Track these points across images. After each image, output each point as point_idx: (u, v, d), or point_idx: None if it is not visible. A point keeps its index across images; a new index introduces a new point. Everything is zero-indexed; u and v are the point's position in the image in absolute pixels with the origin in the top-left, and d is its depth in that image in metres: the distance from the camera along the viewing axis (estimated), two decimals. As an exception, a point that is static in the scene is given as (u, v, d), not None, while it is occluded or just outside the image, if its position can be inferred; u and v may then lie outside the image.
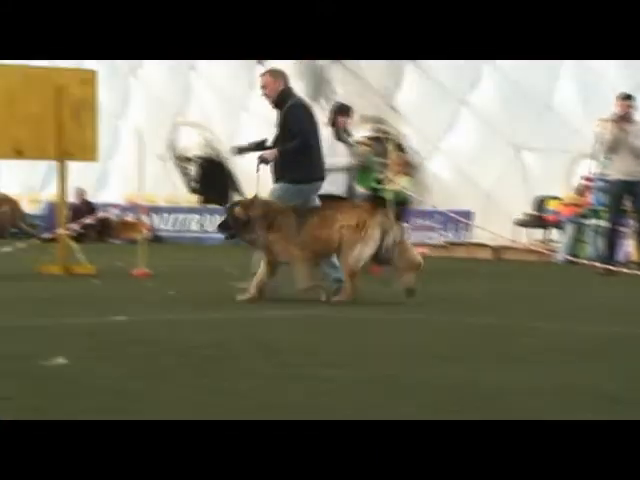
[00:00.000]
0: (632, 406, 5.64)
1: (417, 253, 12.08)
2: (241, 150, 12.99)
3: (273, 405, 5.61)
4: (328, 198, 13.46)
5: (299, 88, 23.93)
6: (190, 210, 24.37)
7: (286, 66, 23.63)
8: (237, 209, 12.14)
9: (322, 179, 12.93)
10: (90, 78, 17.01)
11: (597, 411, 5.39)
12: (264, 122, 23.09)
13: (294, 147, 12.51)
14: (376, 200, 16.47)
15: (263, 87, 13.09)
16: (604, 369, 7.25)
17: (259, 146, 12.96)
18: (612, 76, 19.17)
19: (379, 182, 18.83)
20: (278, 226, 11.80)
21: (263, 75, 13.22)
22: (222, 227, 12.27)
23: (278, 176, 12.64)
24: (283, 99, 12.86)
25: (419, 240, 21.43)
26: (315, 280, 12.00)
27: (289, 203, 12.31)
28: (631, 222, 17.07)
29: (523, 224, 20.66)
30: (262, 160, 12.65)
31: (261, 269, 11.95)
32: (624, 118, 16.67)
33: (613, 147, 16.48)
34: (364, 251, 11.54)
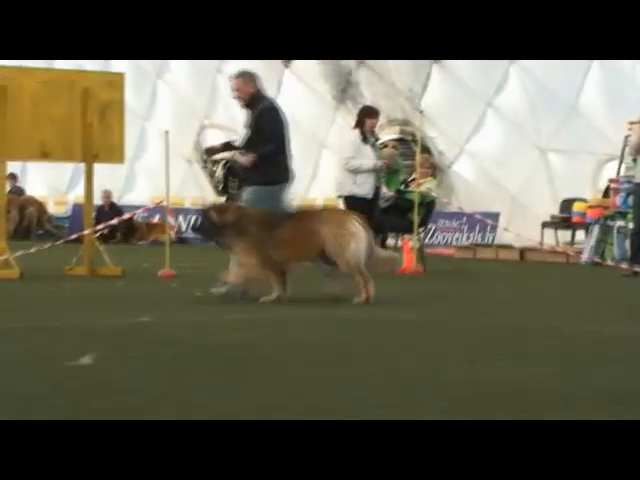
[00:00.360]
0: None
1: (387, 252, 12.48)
2: (211, 151, 13.06)
3: (304, 405, 5.60)
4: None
5: (325, 90, 24.03)
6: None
7: (311, 67, 23.69)
8: (212, 213, 12.12)
9: (289, 181, 13.11)
10: (117, 80, 17.04)
11: (609, 412, 5.37)
12: (293, 127, 23.20)
13: (270, 151, 12.62)
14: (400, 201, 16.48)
15: (235, 90, 13.16)
16: (621, 369, 7.23)
17: (227, 146, 13.00)
18: (639, 78, 19.10)
19: (405, 184, 18.84)
20: (249, 232, 11.77)
21: (235, 78, 13.23)
22: (197, 229, 12.36)
23: (249, 179, 12.81)
24: (254, 101, 12.97)
25: (445, 241, 21.40)
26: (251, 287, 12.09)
27: (261, 206, 12.32)
28: None
29: (549, 226, 20.63)
30: (241, 167, 12.91)
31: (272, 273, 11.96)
32: None
33: (636, 151, 16.44)
34: (359, 247, 11.59)
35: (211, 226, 12.08)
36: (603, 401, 5.78)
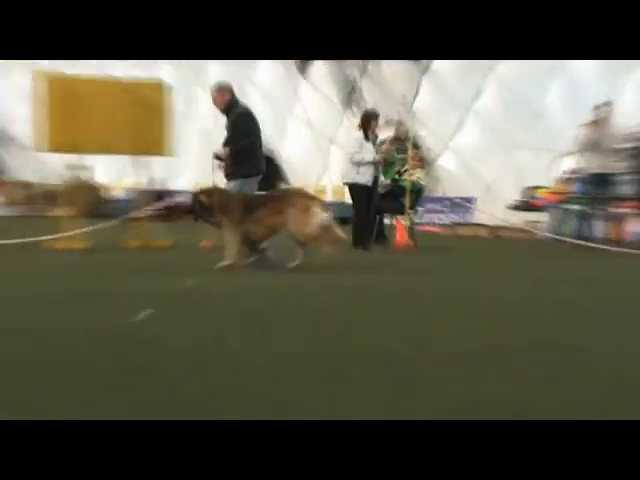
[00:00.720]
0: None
1: (339, 231, 12.31)
2: (216, 156, 13.09)
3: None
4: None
5: (334, 96, 24.10)
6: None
7: (323, 77, 23.69)
8: (202, 196, 12.19)
9: (262, 172, 13.23)
10: (158, 85, 17.07)
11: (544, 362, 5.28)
12: (307, 127, 23.26)
13: (243, 146, 12.68)
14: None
15: (213, 100, 13.20)
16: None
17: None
18: (592, 84, 19.11)
19: (399, 174, 18.84)
20: (232, 210, 11.96)
21: (213, 90, 13.29)
22: (189, 211, 12.43)
23: (230, 173, 12.83)
24: (230, 107, 13.02)
25: (431, 221, 21.39)
26: (244, 260, 12.20)
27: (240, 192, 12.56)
28: (605, 206, 17.12)
29: (515, 208, 20.71)
30: (217, 157, 12.91)
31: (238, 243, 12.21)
32: (598, 123, 16.80)
33: (589, 146, 16.66)
34: (313, 222, 11.87)
35: (200, 207, 12.13)
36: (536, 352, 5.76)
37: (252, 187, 12.93)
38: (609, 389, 4.94)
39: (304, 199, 12.22)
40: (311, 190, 22.90)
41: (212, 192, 12.28)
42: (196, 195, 12.38)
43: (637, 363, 5.69)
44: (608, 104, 17.22)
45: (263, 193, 12.96)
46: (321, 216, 11.94)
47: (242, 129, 12.80)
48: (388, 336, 6.59)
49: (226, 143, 12.87)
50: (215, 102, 13.18)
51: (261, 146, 13.16)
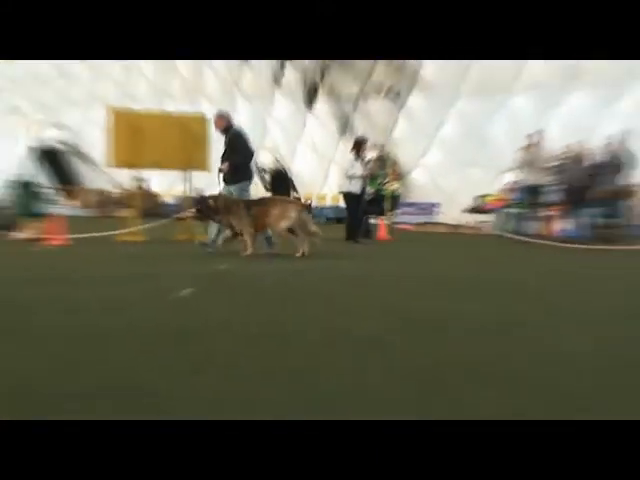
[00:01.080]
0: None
1: (315, 227, 12.45)
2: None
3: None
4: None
5: (333, 126, 24.14)
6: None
7: (325, 113, 23.71)
8: (210, 201, 12.32)
9: (252, 178, 13.47)
10: (203, 120, 17.15)
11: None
12: (313, 150, 23.31)
13: (239, 160, 12.80)
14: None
15: (215, 124, 13.35)
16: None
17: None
18: (528, 117, 19.12)
19: (381, 185, 18.93)
20: (234, 211, 12.13)
21: (215, 116, 13.43)
22: (199, 212, 12.63)
23: (229, 180, 12.92)
24: (227, 129, 13.16)
25: (405, 220, 21.40)
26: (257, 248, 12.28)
27: (238, 197, 12.69)
28: (537, 210, 17.23)
29: (469, 211, 20.77)
30: (221, 170, 12.97)
31: (226, 233, 12.64)
32: (531, 146, 16.92)
33: (525, 164, 16.78)
34: (287, 223, 12.09)
35: (207, 209, 12.29)
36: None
37: (247, 189, 13.14)
38: (536, 353, 5.01)
39: (283, 204, 12.39)
40: (315, 197, 23.14)
41: (218, 197, 12.45)
42: (204, 200, 12.54)
43: (561, 332, 5.76)
44: (539, 132, 17.32)
45: (256, 198, 13.28)
46: (295, 217, 12.11)
47: (237, 146, 12.91)
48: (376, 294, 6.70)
49: (225, 157, 13.00)
50: (216, 125, 13.30)
51: (252, 158, 13.29)
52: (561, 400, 3.66)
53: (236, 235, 12.42)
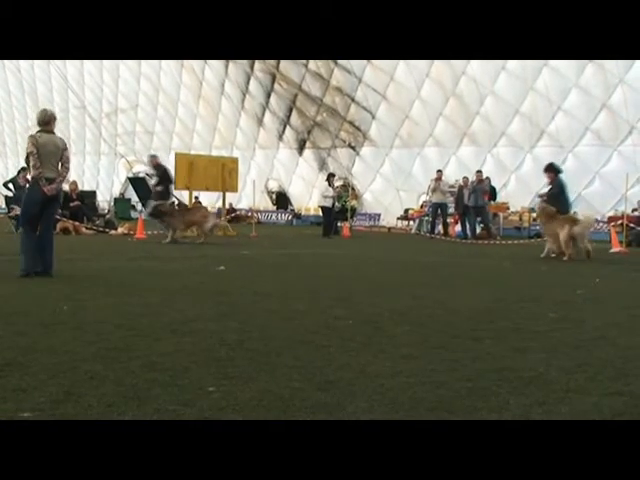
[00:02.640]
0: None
1: (230, 227, 12.90)
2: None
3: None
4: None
5: (314, 166, 23.97)
6: (272, 211, 24.28)
7: (310, 158, 23.57)
8: (162, 207, 11.75)
9: (170, 198, 13.12)
10: (234, 160, 17.20)
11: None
12: (302, 180, 23.24)
13: (164, 187, 12.85)
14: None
15: (149, 163, 13.29)
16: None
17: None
18: (435, 160, 19.19)
19: (345, 202, 19.03)
20: (174, 215, 11.72)
21: (149, 158, 13.55)
22: (152, 214, 11.94)
23: (159, 198, 12.40)
24: (158, 167, 13.16)
25: (360, 224, 21.21)
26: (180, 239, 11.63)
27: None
28: (441, 219, 16.89)
29: (400, 219, 20.71)
30: (155, 194, 12.76)
31: (177, 232, 11.69)
32: (437, 179, 16.61)
33: (433, 190, 16.49)
34: (210, 224, 11.86)
35: (160, 213, 11.60)
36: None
37: (168, 203, 12.63)
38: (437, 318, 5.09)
39: (204, 212, 12.36)
40: (303, 209, 23.26)
41: (164, 205, 11.92)
42: (158, 207, 11.77)
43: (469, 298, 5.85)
44: (440, 171, 17.15)
45: (191, 208, 13.41)
46: (213, 221, 12.08)
47: (162, 177, 12.92)
48: (339, 272, 6.79)
49: (156, 185, 13.01)
50: (150, 164, 13.49)
51: (172, 183, 13.34)
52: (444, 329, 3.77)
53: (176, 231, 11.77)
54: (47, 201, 5.80)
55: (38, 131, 5.91)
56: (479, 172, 16.59)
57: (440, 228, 16.84)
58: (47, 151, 5.80)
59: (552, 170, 10.58)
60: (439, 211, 16.72)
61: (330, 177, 16.65)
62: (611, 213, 16.24)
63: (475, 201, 16.08)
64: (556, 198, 10.04)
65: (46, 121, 5.89)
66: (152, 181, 12.72)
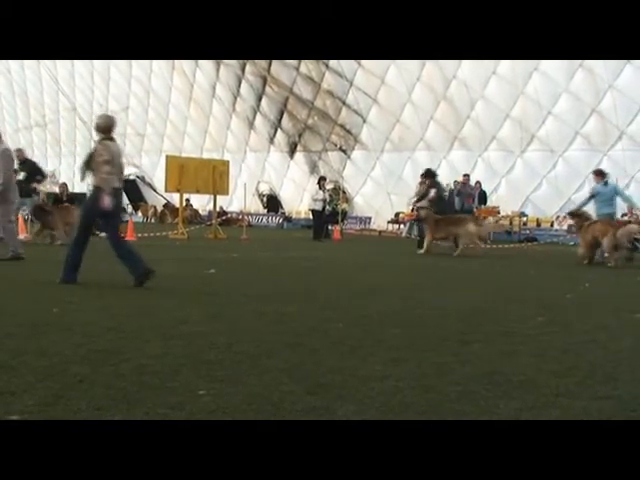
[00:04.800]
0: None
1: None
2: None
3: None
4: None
5: (305, 169, 23.99)
6: (263, 214, 24.22)
7: (301, 161, 23.60)
8: (42, 207, 10.71)
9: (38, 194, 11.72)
10: (225, 163, 17.14)
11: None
12: (293, 183, 23.25)
13: (37, 182, 11.33)
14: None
15: (16, 156, 9.69)
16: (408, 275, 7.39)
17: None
18: (425, 164, 19.26)
19: (335, 205, 19.06)
20: (54, 214, 10.60)
21: (16, 150, 10.29)
22: (34, 214, 10.87)
23: (26, 195, 10.44)
24: (24, 160, 11.18)
25: (351, 227, 21.27)
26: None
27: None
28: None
29: (390, 222, 20.86)
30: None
31: (62, 232, 10.40)
32: (421, 184, 16.55)
33: (417, 195, 16.48)
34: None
35: (41, 212, 10.64)
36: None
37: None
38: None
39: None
40: (294, 212, 23.27)
41: (45, 205, 11.02)
42: (39, 206, 10.89)
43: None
44: (425, 175, 17.21)
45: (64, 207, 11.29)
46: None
47: (32, 171, 11.24)
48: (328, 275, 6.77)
49: (30, 179, 11.18)
50: (17, 157, 10.13)
51: (45, 178, 11.87)
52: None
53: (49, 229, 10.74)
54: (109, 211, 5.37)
55: (103, 138, 5.52)
56: (466, 175, 16.58)
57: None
58: (119, 162, 5.48)
59: (430, 175, 12.41)
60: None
61: (321, 180, 16.67)
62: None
63: (460, 204, 16.11)
64: (440, 201, 11.81)
65: (109, 128, 5.54)
66: (20, 176, 10.37)
